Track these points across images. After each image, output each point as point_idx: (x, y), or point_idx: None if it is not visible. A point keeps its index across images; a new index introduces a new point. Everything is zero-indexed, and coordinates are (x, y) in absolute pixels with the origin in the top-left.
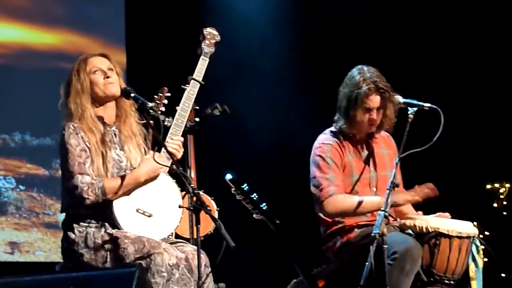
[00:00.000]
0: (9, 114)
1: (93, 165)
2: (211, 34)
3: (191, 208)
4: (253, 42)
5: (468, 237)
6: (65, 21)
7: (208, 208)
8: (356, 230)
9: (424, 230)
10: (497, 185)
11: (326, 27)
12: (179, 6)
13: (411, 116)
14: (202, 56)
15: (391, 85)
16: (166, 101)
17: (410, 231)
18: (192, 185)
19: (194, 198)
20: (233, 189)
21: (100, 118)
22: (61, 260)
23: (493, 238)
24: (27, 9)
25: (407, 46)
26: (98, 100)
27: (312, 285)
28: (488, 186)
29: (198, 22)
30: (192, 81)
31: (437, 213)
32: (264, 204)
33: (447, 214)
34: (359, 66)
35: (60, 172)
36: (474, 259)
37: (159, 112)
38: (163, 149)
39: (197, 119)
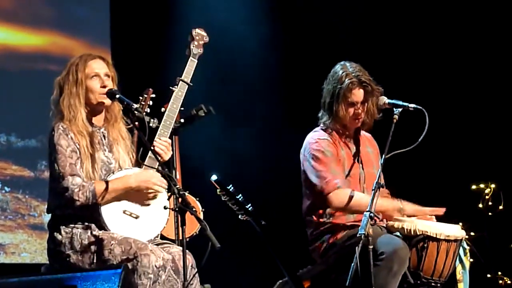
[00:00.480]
0: None
1: (82, 166)
2: (199, 35)
3: (176, 209)
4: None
5: (455, 241)
6: (51, 22)
7: (194, 209)
8: (343, 231)
9: (412, 232)
10: (482, 185)
11: (309, 26)
12: (164, 8)
13: (396, 116)
14: (190, 57)
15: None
16: (151, 102)
17: (398, 233)
18: (177, 186)
19: (179, 199)
20: (218, 190)
21: (89, 120)
22: (47, 262)
23: (478, 239)
24: (13, 11)
25: (391, 47)
26: (90, 105)
27: (297, 286)
28: (473, 187)
29: (183, 23)
30: (181, 82)
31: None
32: (250, 205)
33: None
34: (342, 62)
35: (46, 173)
36: (461, 261)
37: (144, 113)
38: (149, 153)
39: (182, 120)
